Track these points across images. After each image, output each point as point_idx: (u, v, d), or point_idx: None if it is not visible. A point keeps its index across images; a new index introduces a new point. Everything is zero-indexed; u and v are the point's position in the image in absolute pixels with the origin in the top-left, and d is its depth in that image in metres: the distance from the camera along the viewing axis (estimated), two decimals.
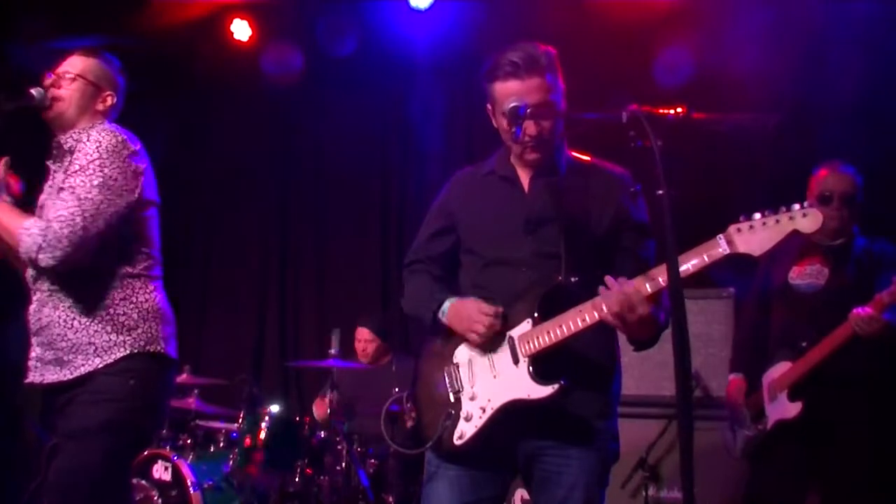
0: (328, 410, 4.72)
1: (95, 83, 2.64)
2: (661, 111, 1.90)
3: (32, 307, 2.55)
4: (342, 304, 6.24)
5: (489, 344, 2.26)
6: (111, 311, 2.49)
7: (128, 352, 2.47)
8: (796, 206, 1.95)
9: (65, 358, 2.46)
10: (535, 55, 2.25)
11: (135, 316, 2.51)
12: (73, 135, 2.57)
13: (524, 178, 2.38)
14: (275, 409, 4.73)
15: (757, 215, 1.97)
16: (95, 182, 2.42)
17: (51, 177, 2.63)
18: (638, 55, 5.12)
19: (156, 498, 4.30)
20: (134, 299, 2.52)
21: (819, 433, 3.20)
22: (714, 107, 2.00)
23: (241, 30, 6.01)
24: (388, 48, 5.95)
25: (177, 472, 4.35)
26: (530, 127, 2.24)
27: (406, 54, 5.88)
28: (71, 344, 2.46)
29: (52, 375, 2.48)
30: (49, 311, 2.49)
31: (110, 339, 2.46)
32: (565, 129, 2.38)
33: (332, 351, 4.70)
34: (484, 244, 2.38)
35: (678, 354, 1.78)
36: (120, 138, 2.50)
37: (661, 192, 1.81)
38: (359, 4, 5.84)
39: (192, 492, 4.29)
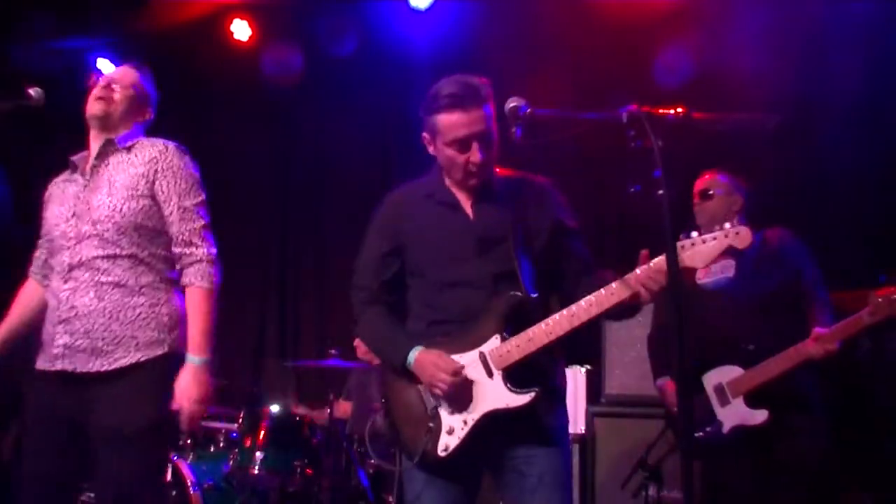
0: (347, 412, 4.74)
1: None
2: (661, 111, 1.91)
3: (63, 294, 2.56)
4: (342, 304, 6.21)
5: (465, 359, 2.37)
6: (156, 310, 2.57)
7: (166, 350, 2.54)
8: (728, 225, 2.24)
9: (104, 348, 2.50)
10: (474, 86, 2.38)
11: (174, 318, 2.60)
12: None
13: (465, 202, 2.49)
14: (275, 409, 4.73)
15: (694, 233, 2.25)
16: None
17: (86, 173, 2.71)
18: (638, 55, 5.12)
19: None
20: (173, 303, 2.62)
21: (778, 438, 3.20)
22: (714, 107, 2.01)
23: (241, 30, 6.01)
24: (388, 48, 5.95)
25: (177, 472, 4.35)
26: (475, 155, 2.37)
27: (406, 54, 5.88)
28: (114, 335, 2.51)
29: (87, 364, 2.50)
30: (90, 300, 2.53)
31: (152, 336, 2.54)
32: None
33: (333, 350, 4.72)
34: (437, 267, 2.46)
35: (678, 354, 1.79)
36: None
37: (661, 192, 1.82)
38: (359, 4, 5.84)
39: (192, 492, 4.28)
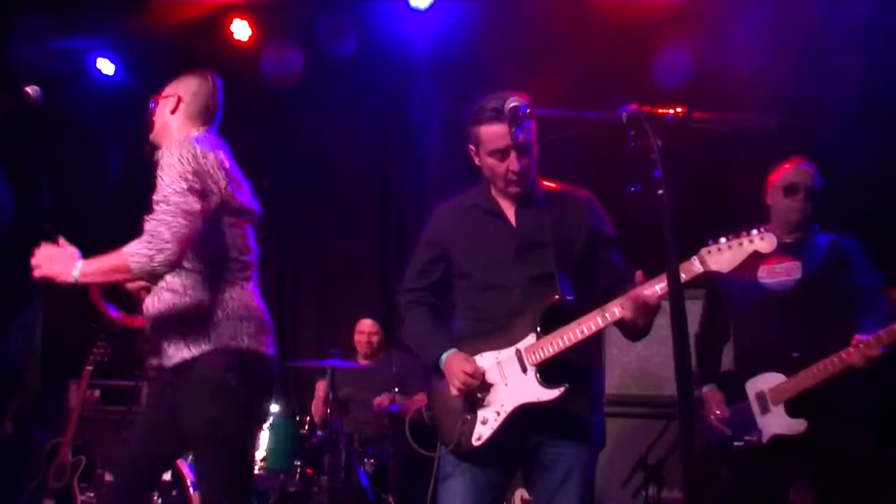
0: (326, 410, 4.72)
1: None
2: (661, 111, 1.91)
3: (147, 301, 2.78)
4: (342, 304, 6.24)
5: (501, 355, 2.54)
6: (199, 310, 2.65)
7: (211, 347, 2.62)
8: (755, 231, 2.29)
9: (163, 346, 2.68)
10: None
11: (219, 314, 2.65)
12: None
13: (508, 210, 2.65)
14: (275, 409, 4.72)
15: (722, 239, 2.30)
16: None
17: None
18: (638, 55, 5.11)
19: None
20: (220, 299, 2.67)
21: (819, 450, 3.16)
22: (714, 107, 2.01)
23: (241, 30, 6.01)
24: (388, 48, 5.95)
25: (177, 472, 4.35)
26: (513, 164, 2.52)
27: (406, 54, 5.88)
28: (167, 335, 2.67)
29: (157, 360, 2.72)
30: (152, 305, 2.72)
31: (197, 334, 2.63)
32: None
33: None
34: (479, 271, 2.64)
35: (678, 354, 1.79)
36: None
37: (660, 192, 1.82)
38: (359, 4, 5.83)
39: (192, 492, 4.29)
